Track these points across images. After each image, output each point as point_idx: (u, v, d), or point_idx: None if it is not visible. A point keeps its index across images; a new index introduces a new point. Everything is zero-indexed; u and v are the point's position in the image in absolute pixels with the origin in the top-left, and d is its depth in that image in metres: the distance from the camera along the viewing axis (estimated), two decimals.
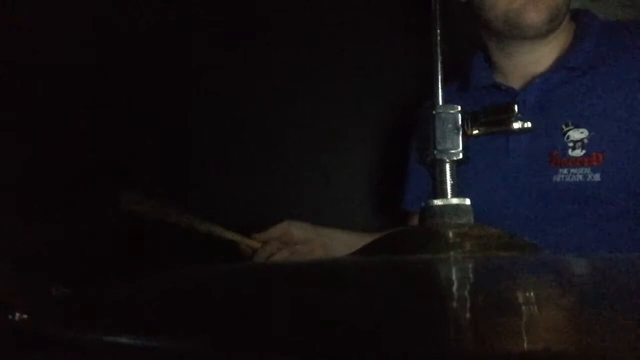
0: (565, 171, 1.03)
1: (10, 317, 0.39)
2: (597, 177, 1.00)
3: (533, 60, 1.11)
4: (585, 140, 1.02)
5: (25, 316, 0.39)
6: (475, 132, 0.53)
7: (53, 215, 1.33)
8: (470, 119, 0.54)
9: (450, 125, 0.53)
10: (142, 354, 0.32)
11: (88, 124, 1.40)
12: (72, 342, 0.35)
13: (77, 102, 1.41)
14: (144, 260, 1.32)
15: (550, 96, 1.08)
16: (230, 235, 1.15)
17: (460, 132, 0.53)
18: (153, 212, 1.10)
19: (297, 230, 1.17)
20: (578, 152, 1.02)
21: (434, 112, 0.53)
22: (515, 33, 1.08)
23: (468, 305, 0.32)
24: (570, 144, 1.03)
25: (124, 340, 0.33)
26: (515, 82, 1.14)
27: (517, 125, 0.54)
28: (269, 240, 1.15)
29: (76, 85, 1.40)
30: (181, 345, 0.32)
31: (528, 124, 0.54)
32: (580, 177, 1.01)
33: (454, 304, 0.32)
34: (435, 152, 0.52)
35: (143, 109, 1.44)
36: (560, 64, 1.09)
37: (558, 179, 1.03)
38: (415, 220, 1.26)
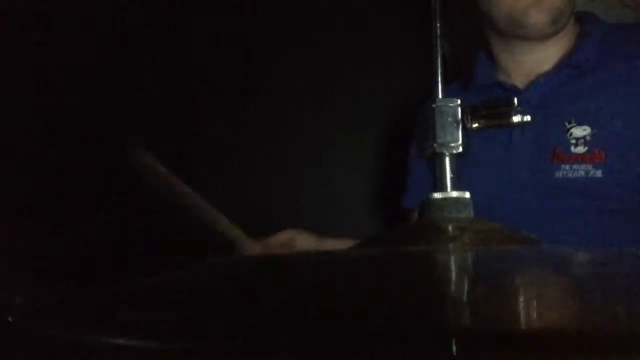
0: (567, 167, 1.03)
1: (9, 319, 0.38)
2: (599, 173, 1.01)
3: (537, 60, 1.12)
4: (588, 137, 1.03)
5: (24, 317, 0.39)
6: (475, 125, 0.53)
7: (52, 215, 1.33)
8: (470, 112, 0.53)
9: (450, 119, 0.52)
10: (141, 354, 0.32)
11: (89, 125, 1.40)
12: (72, 342, 0.35)
13: (76, 102, 1.40)
14: (145, 260, 1.32)
15: (553, 94, 1.09)
16: (234, 231, 1.14)
17: (460, 126, 0.53)
18: (163, 179, 1.05)
19: (300, 240, 1.18)
20: (580, 149, 1.03)
21: (433, 105, 0.53)
22: (519, 32, 1.08)
23: (466, 291, 0.32)
24: (573, 141, 1.04)
25: (123, 340, 0.33)
26: (519, 81, 1.14)
27: (516, 118, 0.54)
28: (271, 247, 1.16)
29: (75, 85, 1.40)
30: (180, 345, 0.31)
31: (527, 118, 0.55)
32: (582, 173, 1.02)
33: (452, 292, 0.32)
34: (435, 145, 0.52)
35: (141, 110, 1.44)
36: (564, 63, 1.10)
37: (560, 175, 1.04)
38: (415, 219, 1.26)
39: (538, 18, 1.04)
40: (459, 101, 0.54)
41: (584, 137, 1.03)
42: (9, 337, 0.38)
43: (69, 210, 1.33)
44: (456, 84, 1.23)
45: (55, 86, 1.38)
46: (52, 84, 1.38)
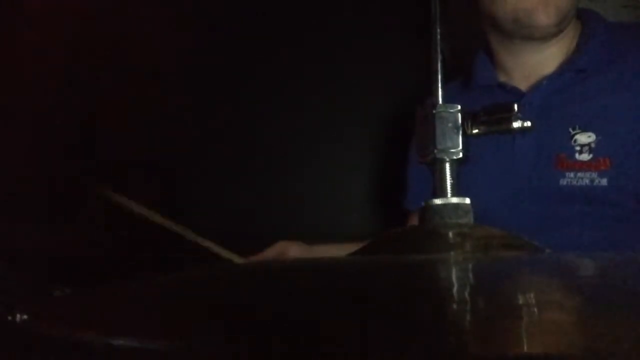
0: (572, 175, 1.02)
1: (10, 317, 0.39)
2: (604, 181, 1.00)
3: (539, 60, 1.10)
4: (593, 145, 1.01)
5: (25, 317, 0.39)
6: (476, 131, 0.53)
7: (53, 215, 1.33)
8: (471, 118, 0.53)
9: (450, 125, 0.52)
10: (141, 354, 0.32)
11: (87, 126, 1.40)
12: (72, 342, 0.35)
13: (75, 103, 1.40)
14: (145, 260, 1.32)
15: (556, 98, 1.07)
16: (224, 253, 1.15)
17: (460, 132, 0.52)
18: (142, 214, 1.09)
19: (292, 251, 1.18)
20: (585, 156, 1.01)
21: (434, 111, 0.53)
22: (523, 33, 1.07)
23: (468, 306, 0.32)
24: (578, 148, 1.02)
25: (123, 341, 0.33)
26: (520, 83, 1.13)
27: (517, 124, 0.54)
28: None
29: (74, 87, 1.40)
30: (180, 346, 0.31)
31: (528, 123, 0.54)
32: (587, 181, 1.01)
33: (454, 305, 0.32)
34: (435, 151, 0.52)
35: (140, 113, 1.44)
36: (566, 66, 1.08)
37: (564, 183, 1.02)
38: (415, 220, 1.25)
39: (544, 19, 1.03)
40: (459, 107, 0.54)
41: (588, 144, 1.01)
42: (9, 337, 0.38)
43: (68, 210, 1.33)
44: (455, 83, 1.22)
45: (50, 86, 1.38)
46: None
